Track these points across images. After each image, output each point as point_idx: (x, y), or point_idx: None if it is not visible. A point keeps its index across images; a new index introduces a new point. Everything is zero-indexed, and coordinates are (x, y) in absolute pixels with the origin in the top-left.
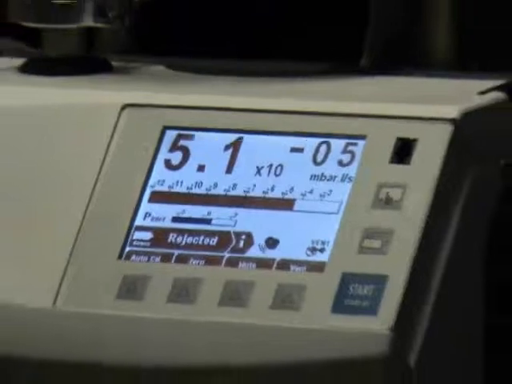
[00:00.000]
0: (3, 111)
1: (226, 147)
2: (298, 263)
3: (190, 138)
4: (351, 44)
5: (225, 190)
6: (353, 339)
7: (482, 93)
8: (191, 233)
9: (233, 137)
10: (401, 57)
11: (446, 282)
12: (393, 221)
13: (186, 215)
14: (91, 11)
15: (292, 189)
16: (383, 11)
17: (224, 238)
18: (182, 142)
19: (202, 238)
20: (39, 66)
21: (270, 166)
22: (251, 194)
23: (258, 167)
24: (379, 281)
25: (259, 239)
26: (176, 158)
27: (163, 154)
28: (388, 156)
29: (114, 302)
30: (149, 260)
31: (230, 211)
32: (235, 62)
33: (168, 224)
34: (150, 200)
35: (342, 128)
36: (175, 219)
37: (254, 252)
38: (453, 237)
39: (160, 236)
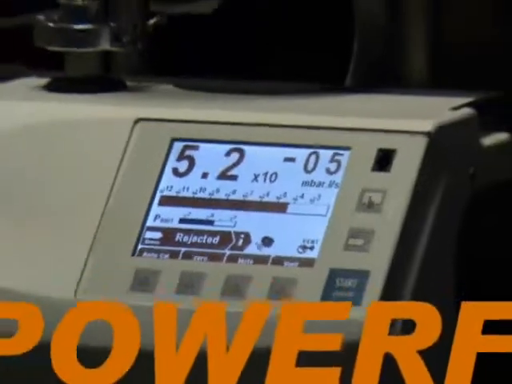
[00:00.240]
0: (32, 123)
1: (227, 157)
2: (291, 259)
3: (195, 148)
4: (338, 67)
5: (226, 195)
6: (339, 326)
7: (454, 109)
8: (196, 233)
9: (233, 147)
10: (381, 77)
11: (422, 276)
12: (374, 222)
13: (191, 217)
14: (108, 37)
15: (285, 194)
16: (366, 38)
17: (225, 237)
18: (188, 152)
19: (205, 237)
20: (62, 84)
21: (266, 173)
22: (249, 198)
23: (255, 174)
24: (362, 275)
25: (256, 238)
26: (183, 166)
27: (171, 162)
28: (370, 165)
29: (128, 294)
30: (158, 256)
31: (230, 213)
32: (235, 81)
33: (175, 225)
34: (160, 203)
35: (329, 140)
36: (182, 220)
37: (251, 249)
38: (427, 236)
39: (168, 235)
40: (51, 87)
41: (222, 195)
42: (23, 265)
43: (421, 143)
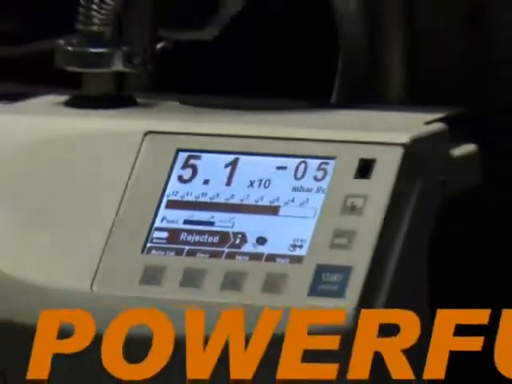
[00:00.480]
0: (51, 135)
1: (226, 165)
2: (282, 256)
3: (198, 158)
4: (325, 85)
5: (225, 199)
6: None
7: (428, 123)
8: (198, 233)
9: (231, 157)
10: (363, 94)
11: (399, 272)
12: (356, 224)
13: (194, 219)
14: (120, 59)
15: (277, 198)
16: (349, 60)
17: (224, 236)
18: (191, 162)
19: (206, 236)
20: (79, 101)
21: (261, 180)
22: (245, 202)
23: (251, 181)
24: (346, 271)
25: (252, 238)
26: (187, 173)
27: (177, 170)
28: (353, 173)
29: (138, 287)
30: (165, 254)
31: (228, 216)
32: (234, 98)
33: (180, 226)
34: (167, 207)
35: (316, 151)
36: (186, 222)
37: (247, 248)
38: (404, 236)
39: (174, 235)
40: (69, 104)
41: (221, 199)
42: (47, 261)
43: (398, 153)
